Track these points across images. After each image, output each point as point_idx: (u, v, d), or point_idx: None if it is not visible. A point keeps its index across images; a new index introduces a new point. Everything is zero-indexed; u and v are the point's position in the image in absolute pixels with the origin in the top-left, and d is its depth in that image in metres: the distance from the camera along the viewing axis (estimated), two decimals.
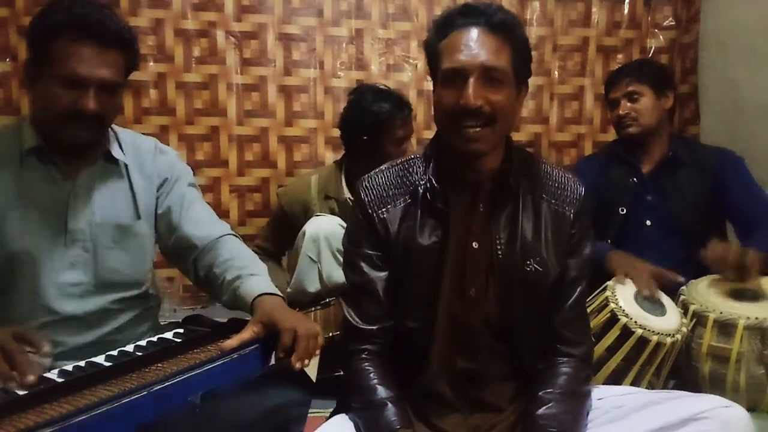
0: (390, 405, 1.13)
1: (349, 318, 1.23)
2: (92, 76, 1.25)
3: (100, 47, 1.25)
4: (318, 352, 1.22)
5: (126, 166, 1.42)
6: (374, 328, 1.21)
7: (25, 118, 1.35)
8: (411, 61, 2.88)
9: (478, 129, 1.13)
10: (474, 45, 1.13)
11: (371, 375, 1.18)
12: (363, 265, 1.22)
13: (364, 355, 1.21)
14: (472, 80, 1.11)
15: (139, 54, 1.37)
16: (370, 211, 1.22)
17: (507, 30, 1.15)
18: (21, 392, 1.03)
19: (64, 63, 1.23)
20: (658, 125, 2.10)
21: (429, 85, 2.87)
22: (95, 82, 1.25)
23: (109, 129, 1.40)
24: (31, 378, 1.04)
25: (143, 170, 1.44)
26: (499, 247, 1.18)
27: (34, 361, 1.08)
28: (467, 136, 1.13)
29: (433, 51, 1.19)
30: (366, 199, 1.23)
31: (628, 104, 2.08)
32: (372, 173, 1.27)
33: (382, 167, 1.28)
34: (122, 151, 1.42)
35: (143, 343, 1.30)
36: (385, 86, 2.24)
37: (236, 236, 1.50)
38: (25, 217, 1.30)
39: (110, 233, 1.38)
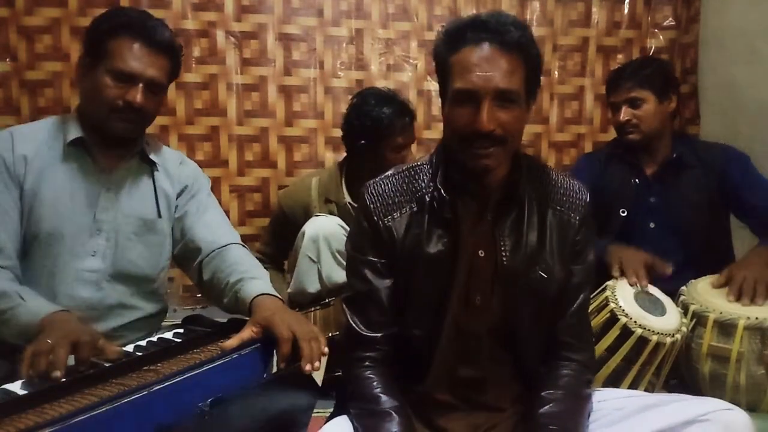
0: (394, 414, 1.12)
1: (353, 325, 1.22)
2: (142, 73, 1.39)
3: (151, 50, 1.39)
4: (326, 351, 1.22)
5: (155, 168, 1.51)
6: (378, 335, 1.20)
7: (71, 113, 1.47)
8: (411, 61, 2.88)
9: (490, 150, 1.11)
10: (487, 65, 1.09)
11: (375, 383, 1.17)
12: (367, 272, 1.21)
13: (367, 363, 1.19)
14: (485, 104, 1.09)
15: (181, 64, 1.50)
16: (375, 218, 1.20)
17: (521, 48, 1.11)
18: (21, 392, 1.03)
19: (119, 59, 1.37)
20: (661, 128, 2.06)
21: (429, 85, 2.89)
22: (144, 79, 1.39)
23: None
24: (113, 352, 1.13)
25: (167, 176, 1.54)
26: (504, 254, 1.17)
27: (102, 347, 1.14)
28: (478, 154, 1.12)
29: (443, 64, 1.16)
30: (371, 206, 1.21)
31: (630, 110, 2.03)
32: (377, 179, 1.25)
33: (388, 173, 1.26)
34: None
35: (143, 343, 1.30)
36: (390, 91, 2.20)
37: (244, 246, 1.53)
38: (58, 203, 1.39)
39: (134, 226, 1.46)
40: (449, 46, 1.15)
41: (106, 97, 1.37)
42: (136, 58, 1.38)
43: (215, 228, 1.53)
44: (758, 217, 1.99)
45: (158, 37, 1.40)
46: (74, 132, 1.41)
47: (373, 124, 2.07)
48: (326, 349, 1.23)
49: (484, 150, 1.11)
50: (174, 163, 1.56)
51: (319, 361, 1.20)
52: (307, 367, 1.18)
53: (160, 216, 1.49)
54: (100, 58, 1.37)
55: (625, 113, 2.04)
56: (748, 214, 2.03)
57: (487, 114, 1.09)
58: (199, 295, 2.73)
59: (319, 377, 1.23)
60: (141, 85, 1.38)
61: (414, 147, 2.68)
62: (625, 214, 2.07)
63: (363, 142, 2.10)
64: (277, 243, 2.29)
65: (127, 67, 1.37)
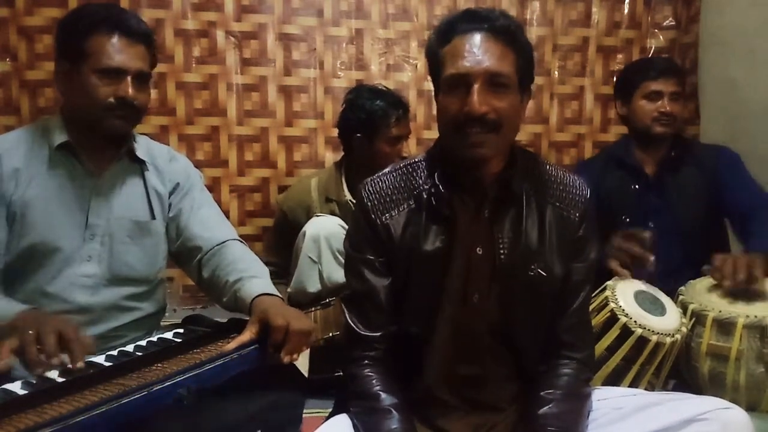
0: (394, 411, 1.12)
1: (352, 324, 1.22)
2: (129, 66, 1.36)
3: (130, 41, 1.36)
4: (307, 348, 1.23)
5: (145, 167, 1.48)
6: (377, 334, 1.20)
7: (53, 116, 1.43)
8: (411, 61, 2.88)
9: (483, 136, 1.11)
10: (477, 50, 1.10)
11: (374, 381, 1.17)
12: (365, 271, 1.21)
13: (366, 362, 1.19)
14: (476, 86, 1.09)
15: (156, 51, 1.47)
16: (373, 216, 1.20)
17: (510, 35, 1.13)
18: (21, 392, 1.03)
19: (103, 56, 1.34)
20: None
21: (429, 85, 2.87)
22: (132, 72, 1.36)
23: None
24: (80, 364, 1.08)
25: (158, 174, 1.51)
26: (502, 251, 1.17)
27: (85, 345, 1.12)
28: (472, 141, 1.11)
29: (434, 58, 1.17)
30: (369, 204, 1.21)
31: (672, 103, 2.05)
32: (374, 177, 1.25)
33: (385, 171, 1.26)
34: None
35: (143, 343, 1.30)
36: (384, 86, 2.25)
37: (242, 241, 1.52)
38: (49, 210, 1.36)
39: (127, 228, 1.43)
40: (440, 40, 1.16)
41: (97, 97, 1.34)
42: (118, 51, 1.35)
43: (212, 225, 1.51)
44: (736, 212, 2.01)
45: (134, 27, 1.38)
46: (60, 137, 1.38)
47: (367, 116, 2.11)
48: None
49: (477, 137, 1.11)
50: (164, 160, 1.53)
51: (299, 353, 1.22)
52: (286, 358, 1.19)
53: (153, 218, 1.47)
54: (81, 60, 1.34)
55: (668, 105, 2.05)
56: (728, 208, 2.05)
57: (479, 96, 1.09)
58: (199, 295, 2.73)
59: (303, 368, 1.24)
60: (129, 78, 1.35)
61: (414, 146, 2.70)
62: (628, 220, 2.08)
63: (359, 135, 2.12)
64: (282, 249, 2.25)
65: (113, 62, 1.34)
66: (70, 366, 1.08)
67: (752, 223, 1.92)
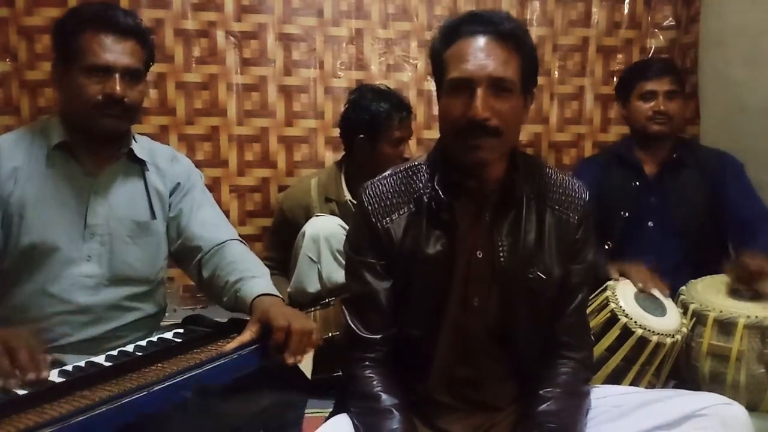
0: (395, 412, 1.12)
1: (352, 326, 1.21)
2: (116, 63, 1.35)
3: (120, 37, 1.36)
4: (311, 349, 1.23)
5: (145, 167, 1.47)
6: (377, 337, 1.20)
7: (52, 116, 1.43)
8: (411, 61, 2.88)
9: (484, 139, 1.11)
10: (482, 54, 1.10)
11: (374, 382, 1.17)
12: (366, 274, 1.21)
13: (367, 363, 1.19)
14: (480, 91, 1.09)
15: (154, 48, 1.46)
16: (373, 219, 1.20)
17: (515, 39, 1.12)
18: (20, 392, 1.03)
19: (90, 54, 1.33)
20: (678, 127, 2.10)
21: (429, 85, 2.89)
22: (119, 69, 1.35)
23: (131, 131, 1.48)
24: (31, 376, 1.05)
25: (159, 174, 1.50)
26: (501, 254, 1.17)
27: (37, 359, 1.08)
28: (473, 145, 1.11)
29: (438, 59, 1.16)
30: (369, 207, 1.21)
31: (667, 102, 2.06)
32: (375, 180, 1.24)
33: (386, 174, 1.25)
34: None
35: (143, 343, 1.31)
36: (387, 87, 2.24)
37: (242, 242, 1.52)
38: (48, 210, 1.36)
39: (127, 228, 1.43)
40: (444, 42, 1.15)
41: (85, 95, 1.34)
42: (105, 49, 1.34)
43: (212, 225, 1.51)
44: (736, 223, 2.01)
45: (123, 24, 1.37)
46: (58, 136, 1.38)
47: (371, 118, 2.10)
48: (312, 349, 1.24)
49: (479, 141, 1.10)
50: (165, 160, 1.53)
51: (303, 355, 1.21)
52: (290, 360, 1.18)
53: (154, 218, 1.47)
54: (72, 59, 1.34)
55: (663, 103, 2.06)
56: (728, 218, 2.04)
57: (482, 101, 1.08)
58: (199, 295, 2.73)
59: (307, 370, 1.24)
60: (117, 75, 1.34)
61: (414, 146, 2.70)
62: (627, 215, 2.08)
63: (361, 136, 2.12)
64: (281, 247, 2.25)
65: (99, 60, 1.33)
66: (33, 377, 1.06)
67: (755, 231, 1.92)
